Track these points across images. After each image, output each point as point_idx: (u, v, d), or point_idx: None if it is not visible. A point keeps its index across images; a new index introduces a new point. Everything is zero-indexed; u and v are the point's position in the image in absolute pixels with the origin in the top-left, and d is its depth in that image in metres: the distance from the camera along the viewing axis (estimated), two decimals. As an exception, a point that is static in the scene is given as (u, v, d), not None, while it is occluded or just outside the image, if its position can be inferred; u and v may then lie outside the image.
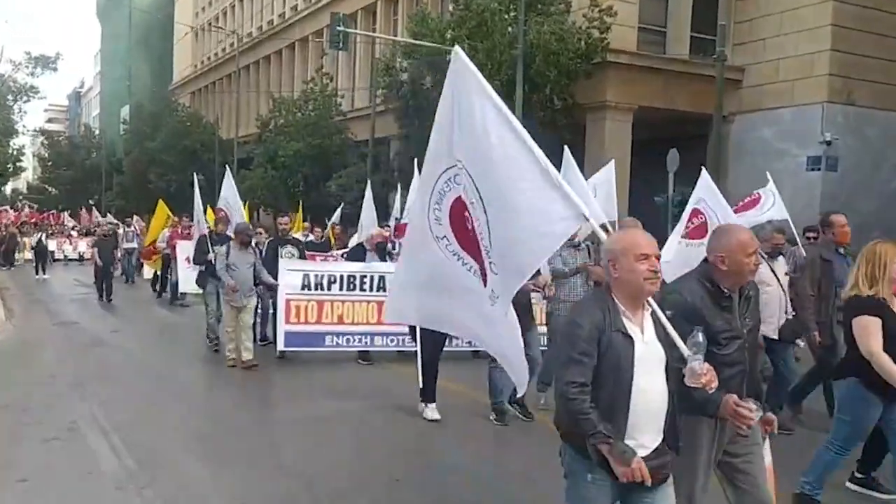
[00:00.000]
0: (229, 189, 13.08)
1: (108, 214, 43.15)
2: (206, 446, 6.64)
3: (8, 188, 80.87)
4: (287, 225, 11.54)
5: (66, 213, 46.47)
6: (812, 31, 21.69)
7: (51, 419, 7.19)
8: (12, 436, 6.72)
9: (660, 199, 19.80)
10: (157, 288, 19.29)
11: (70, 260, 32.68)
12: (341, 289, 10.30)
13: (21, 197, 75.95)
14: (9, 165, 42.65)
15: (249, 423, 7.51)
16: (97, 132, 75.32)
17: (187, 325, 14.42)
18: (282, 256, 10.68)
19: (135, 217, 32.67)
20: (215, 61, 54.37)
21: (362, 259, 10.59)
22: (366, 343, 10.40)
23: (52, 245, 31.13)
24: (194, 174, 14.71)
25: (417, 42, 21.43)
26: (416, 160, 24.55)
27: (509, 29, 20.59)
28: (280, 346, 10.23)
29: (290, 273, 10.25)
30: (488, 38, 20.22)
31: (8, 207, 48.96)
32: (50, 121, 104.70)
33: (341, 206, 19.90)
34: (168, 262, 17.90)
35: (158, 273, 19.32)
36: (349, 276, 10.36)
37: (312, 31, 39.90)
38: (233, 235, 10.77)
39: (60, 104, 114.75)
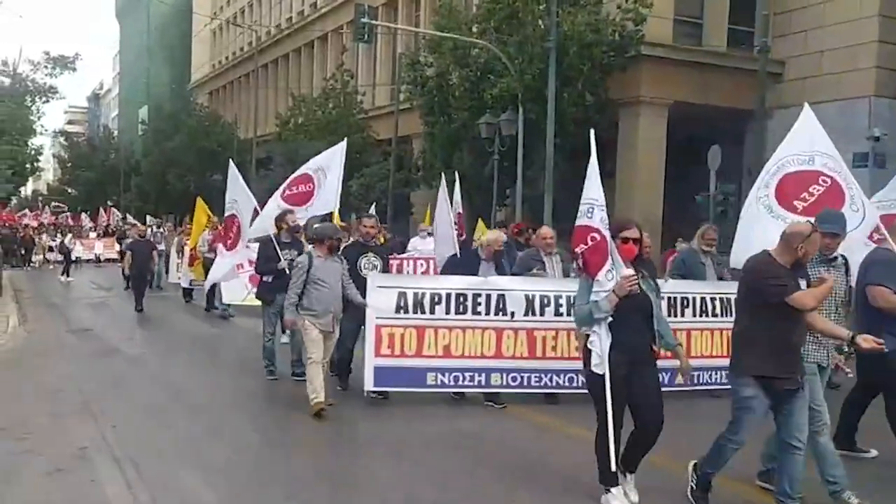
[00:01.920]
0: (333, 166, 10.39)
1: (128, 215, 42.76)
2: (233, 482, 5.79)
3: (28, 189, 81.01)
4: (372, 228, 9.07)
5: (84, 214, 46.00)
6: (857, 22, 20.65)
7: (56, 445, 6.40)
8: (11, 466, 5.92)
9: (701, 198, 18.83)
10: (206, 299, 16.91)
11: (86, 261, 31.71)
12: (448, 311, 7.98)
13: (40, 198, 75.94)
14: (27, 165, 42.22)
15: (287, 456, 6.54)
16: (116, 133, 75.19)
17: (216, 336, 13.64)
18: (362, 268, 8.57)
19: (150, 218, 32.15)
20: (233, 60, 53.88)
21: (474, 270, 8.30)
22: (479, 382, 8.04)
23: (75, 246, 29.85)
24: (230, 160, 11.95)
25: (445, 34, 20.60)
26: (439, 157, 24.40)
27: (540, 21, 19.69)
28: (369, 385, 7.92)
29: (382, 291, 7.98)
30: (519, 30, 19.35)
31: (27, 210, 48.66)
32: (70, 122, 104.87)
33: (374, 204, 18.80)
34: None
35: (202, 282, 16.91)
36: (459, 295, 8.02)
37: (332, 29, 39.24)
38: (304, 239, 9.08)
39: (80, 106, 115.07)
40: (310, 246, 8.37)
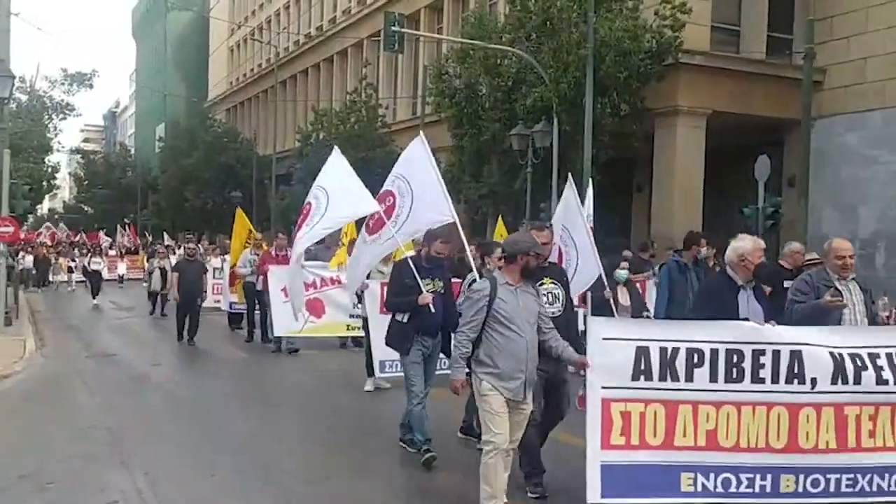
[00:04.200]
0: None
1: (146, 233, 42.33)
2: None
3: (45, 207, 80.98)
4: (548, 244, 6.05)
5: (101, 232, 45.45)
6: (904, 27, 19.85)
7: (83, 497, 5.65)
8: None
9: (749, 211, 18.00)
10: (245, 327, 15.01)
11: (107, 281, 29.30)
12: (714, 377, 5.15)
13: (56, 216, 75.77)
14: (44, 182, 41.89)
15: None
16: (132, 151, 75.07)
17: (250, 362, 12.49)
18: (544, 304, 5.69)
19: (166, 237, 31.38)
20: (251, 77, 53.53)
21: (725, 303, 5.51)
22: (763, 488, 5.17)
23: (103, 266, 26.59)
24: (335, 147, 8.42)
25: (477, 43, 19.88)
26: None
27: (573, 29, 18.89)
28: (593, 495, 5.07)
29: (612, 346, 5.16)
30: (554, 37, 18.60)
31: (42, 229, 48.29)
32: (86, 140, 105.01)
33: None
34: (253, 294, 13.96)
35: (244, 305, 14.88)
36: (731, 352, 5.15)
37: (352, 44, 38.72)
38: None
39: (96, 124, 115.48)
40: (475, 265, 6.70)
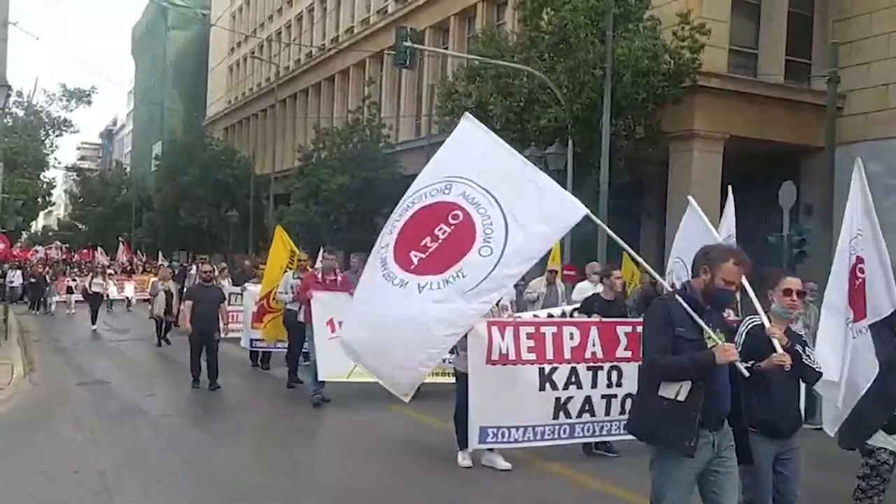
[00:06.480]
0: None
1: (139, 252, 41.50)
2: None
3: (40, 224, 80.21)
4: None
5: (98, 250, 44.19)
6: (928, 53, 19.35)
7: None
8: None
9: (774, 239, 17.34)
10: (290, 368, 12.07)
11: (114, 301, 27.15)
12: None
13: (51, 233, 74.96)
14: (38, 199, 41.17)
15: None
16: (128, 169, 74.44)
17: (254, 393, 11.52)
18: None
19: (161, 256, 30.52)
20: (250, 96, 53.02)
21: None
22: None
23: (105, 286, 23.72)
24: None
25: (490, 61, 19.24)
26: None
27: (590, 48, 18.26)
28: None
29: None
30: (570, 56, 17.98)
31: (38, 246, 47.44)
32: (82, 158, 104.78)
33: None
34: (296, 326, 11.12)
35: (283, 341, 12.23)
36: None
37: (354, 63, 38.22)
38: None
39: (93, 142, 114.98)
40: None
